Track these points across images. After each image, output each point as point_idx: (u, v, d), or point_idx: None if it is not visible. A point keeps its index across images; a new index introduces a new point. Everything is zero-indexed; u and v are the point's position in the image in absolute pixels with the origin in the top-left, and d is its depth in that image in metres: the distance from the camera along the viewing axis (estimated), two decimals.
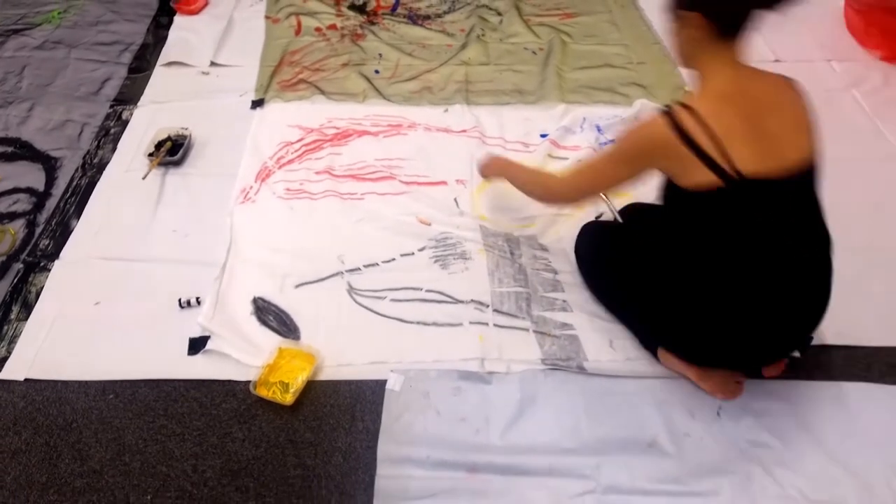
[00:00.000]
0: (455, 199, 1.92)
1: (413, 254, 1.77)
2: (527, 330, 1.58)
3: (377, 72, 2.39)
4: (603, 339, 1.56)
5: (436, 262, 1.75)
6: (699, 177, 1.18)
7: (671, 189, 1.27)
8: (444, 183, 1.97)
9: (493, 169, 1.80)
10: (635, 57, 2.47)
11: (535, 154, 2.06)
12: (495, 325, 1.59)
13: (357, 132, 2.13)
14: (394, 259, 1.76)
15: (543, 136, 2.12)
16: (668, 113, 1.19)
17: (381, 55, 2.47)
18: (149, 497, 1.32)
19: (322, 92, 2.28)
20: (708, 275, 1.28)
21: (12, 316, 1.62)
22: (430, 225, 1.84)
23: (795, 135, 1.23)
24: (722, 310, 1.28)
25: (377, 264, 1.75)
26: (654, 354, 1.50)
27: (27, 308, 1.63)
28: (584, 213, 1.83)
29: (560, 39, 2.53)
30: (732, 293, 1.26)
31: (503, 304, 1.63)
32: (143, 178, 1.90)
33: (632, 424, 1.40)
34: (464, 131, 2.13)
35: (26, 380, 1.50)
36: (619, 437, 1.38)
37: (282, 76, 2.35)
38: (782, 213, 1.22)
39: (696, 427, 1.39)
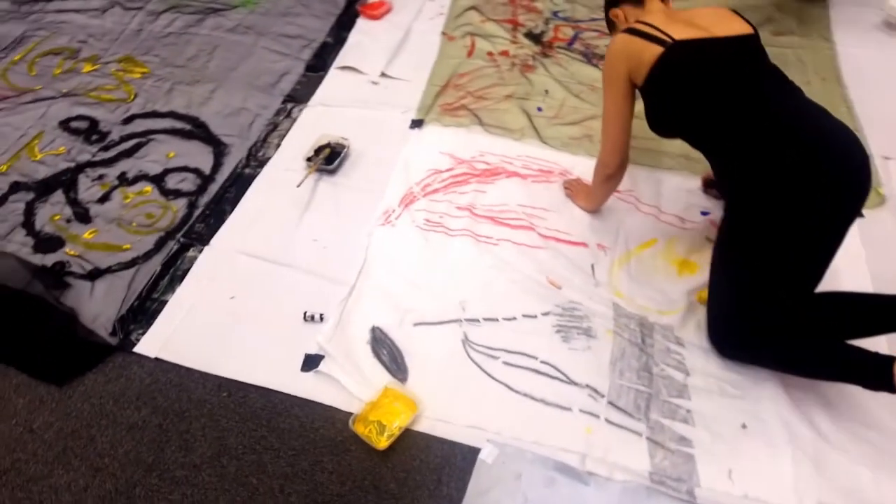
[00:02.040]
0: (592, 266, 1.82)
1: (536, 317, 1.71)
2: (640, 434, 1.47)
3: (540, 109, 2.32)
4: (722, 466, 1.42)
5: (558, 332, 1.67)
6: (648, 56, 1.53)
7: (657, 119, 1.65)
8: (583, 244, 1.88)
9: (576, 188, 1.98)
10: None
11: (691, 232, 1.92)
12: (607, 420, 1.50)
13: (507, 172, 2.08)
14: (515, 318, 1.70)
15: (705, 213, 1.97)
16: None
17: (547, 91, 2.40)
18: None
19: (480, 122, 2.25)
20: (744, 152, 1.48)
21: (156, 294, 1.74)
22: (560, 289, 1.77)
23: (721, 23, 1.56)
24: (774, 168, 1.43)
25: (497, 320, 1.70)
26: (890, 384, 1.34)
27: (171, 288, 1.75)
28: None
29: None
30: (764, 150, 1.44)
31: (620, 398, 1.53)
32: (298, 185, 1.97)
33: None
34: (617, 192, 2.02)
35: (156, 358, 1.61)
36: None
37: (445, 98, 2.35)
38: (725, 63, 1.51)
39: None
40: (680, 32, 1.52)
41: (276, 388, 1.55)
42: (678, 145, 2.18)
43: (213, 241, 1.87)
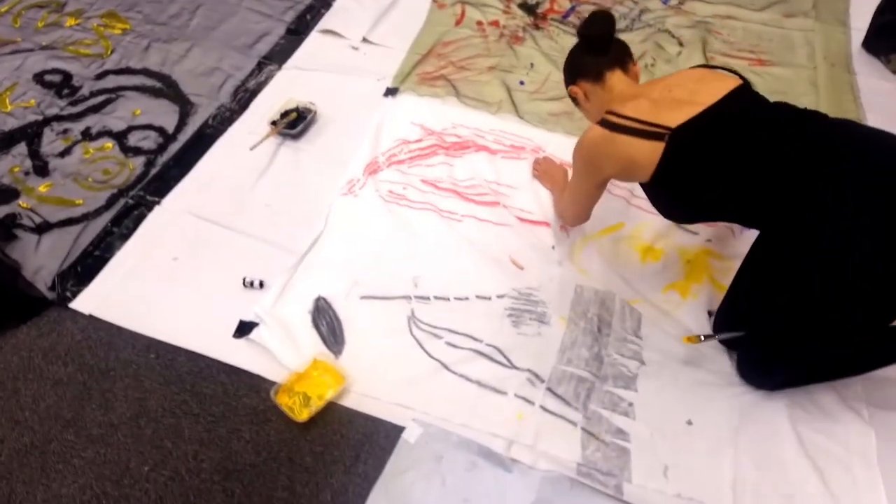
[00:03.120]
0: (553, 248, 1.74)
1: (490, 299, 1.63)
2: (574, 424, 1.40)
3: (522, 83, 2.22)
4: (657, 463, 1.35)
5: (509, 315, 1.59)
6: (645, 155, 1.31)
7: (673, 211, 1.47)
8: (546, 224, 1.79)
9: (544, 169, 1.87)
10: None
11: (660, 218, 1.79)
12: (542, 407, 1.42)
13: (476, 146, 2.00)
14: (468, 298, 1.63)
15: None
16: (597, 123, 1.38)
17: (532, 65, 2.29)
18: (146, 469, 1.34)
19: (457, 93, 2.16)
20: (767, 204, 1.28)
21: (99, 251, 1.70)
22: (522, 269, 1.69)
23: (704, 86, 1.34)
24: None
25: (448, 299, 1.63)
26: None
27: (116, 245, 1.71)
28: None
29: None
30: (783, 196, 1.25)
31: (560, 386, 1.45)
32: (251, 148, 1.91)
33: None
34: None
35: (90, 315, 1.58)
36: None
37: (425, 67, 2.26)
38: (734, 131, 1.29)
39: None
40: (670, 116, 1.29)
41: (205, 353, 1.51)
42: None
43: (165, 200, 1.82)
